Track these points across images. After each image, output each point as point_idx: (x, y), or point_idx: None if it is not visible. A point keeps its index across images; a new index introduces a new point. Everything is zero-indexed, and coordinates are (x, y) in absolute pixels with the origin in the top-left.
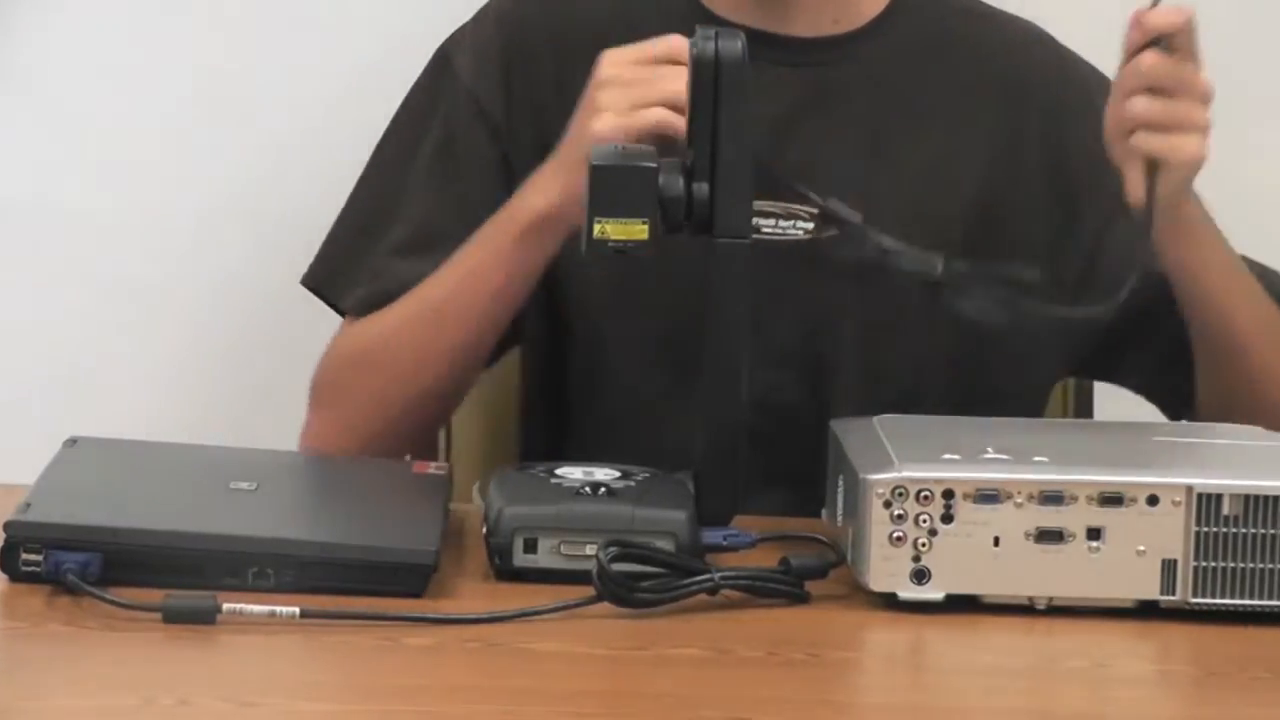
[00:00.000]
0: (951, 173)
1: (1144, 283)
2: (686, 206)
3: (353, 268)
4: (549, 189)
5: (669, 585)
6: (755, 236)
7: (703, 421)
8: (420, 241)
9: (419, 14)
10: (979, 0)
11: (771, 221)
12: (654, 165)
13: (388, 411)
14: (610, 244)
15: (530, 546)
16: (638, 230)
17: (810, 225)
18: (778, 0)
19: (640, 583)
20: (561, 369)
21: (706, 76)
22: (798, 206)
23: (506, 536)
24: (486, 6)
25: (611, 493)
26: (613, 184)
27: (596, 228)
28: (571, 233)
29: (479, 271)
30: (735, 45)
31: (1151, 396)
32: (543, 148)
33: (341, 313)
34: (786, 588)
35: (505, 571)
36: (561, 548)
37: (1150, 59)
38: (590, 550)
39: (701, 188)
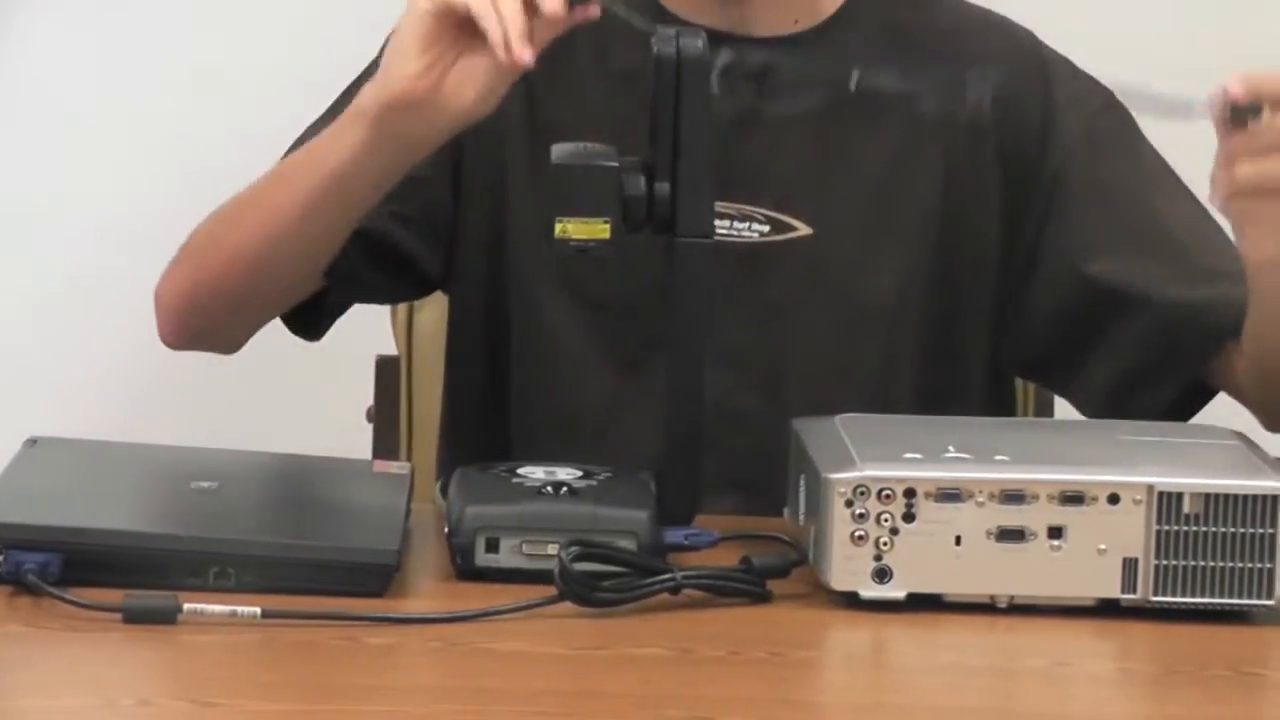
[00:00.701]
0: (907, 170)
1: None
2: (648, 205)
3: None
4: (350, 140)
5: (631, 585)
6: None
7: (664, 421)
8: None
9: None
10: None
11: (726, 223)
12: (615, 164)
13: (229, 266)
14: (572, 243)
15: (492, 546)
16: (599, 229)
17: (765, 227)
18: (739, 1)
19: (602, 582)
20: (506, 368)
21: (668, 76)
22: (751, 208)
23: (468, 536)
24: None
25: (573, 492)
26: (574, 183)
27: (558, 227)
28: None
29: (305, 173)
30: (696, 44)
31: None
32: (498, 125)
33: None
34: (748, 587)
35: (467, 571)
36: (523, 547)
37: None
38: (552, 550)
39: (663, 187)
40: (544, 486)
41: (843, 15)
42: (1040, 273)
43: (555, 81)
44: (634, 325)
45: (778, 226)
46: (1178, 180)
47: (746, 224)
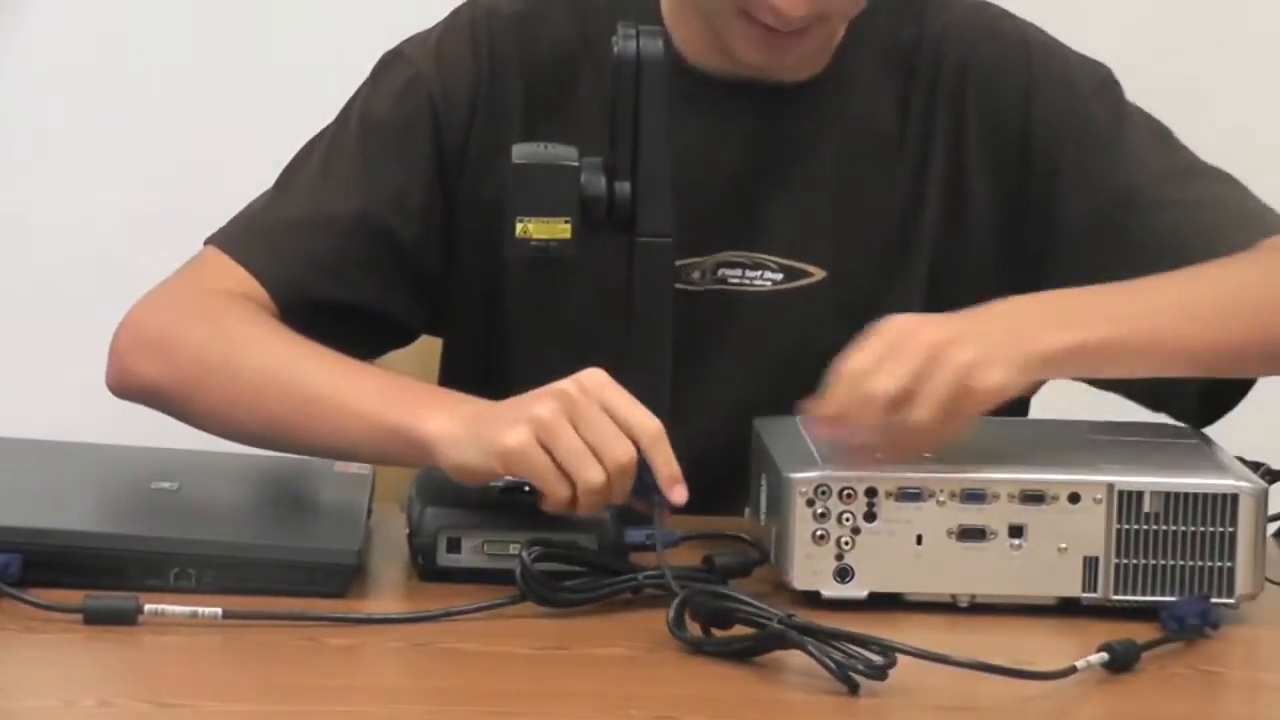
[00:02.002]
0: (914, 207)
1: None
2: (608, 205)
3: (262, 228)
4: (454, 437)
5: (593, 584)
6: (722, 287)
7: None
8: (333, 222)
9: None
10: None
11: (738, 272)
12: (576, 164)
13: (219, 425)
14: (532, 243)
15: (454, 546)
16: (560, 229)
17: (779, 275)
18: (777, 55)
19: (564, 582)
20: (475, 364)
21: (628, 75)
22: (764, 256)
23: (430, 536)
24: (454, 21)
25: (535, 492)
26: (534, 182)
27: (519, 227)
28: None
29: (343, 419)
30: (657, 45)
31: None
32: (494, 187)
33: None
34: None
35: (429, 571)
36: (485, 547)
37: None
38: (514, 550)
39: (623, 186)
40: (505, 487)
41: (849, 44)
42: (1053, 264)
43: (555, 118)
44: (597, 321)
45: (791, 274)
46: (1168, 161)
47: (759, 272)
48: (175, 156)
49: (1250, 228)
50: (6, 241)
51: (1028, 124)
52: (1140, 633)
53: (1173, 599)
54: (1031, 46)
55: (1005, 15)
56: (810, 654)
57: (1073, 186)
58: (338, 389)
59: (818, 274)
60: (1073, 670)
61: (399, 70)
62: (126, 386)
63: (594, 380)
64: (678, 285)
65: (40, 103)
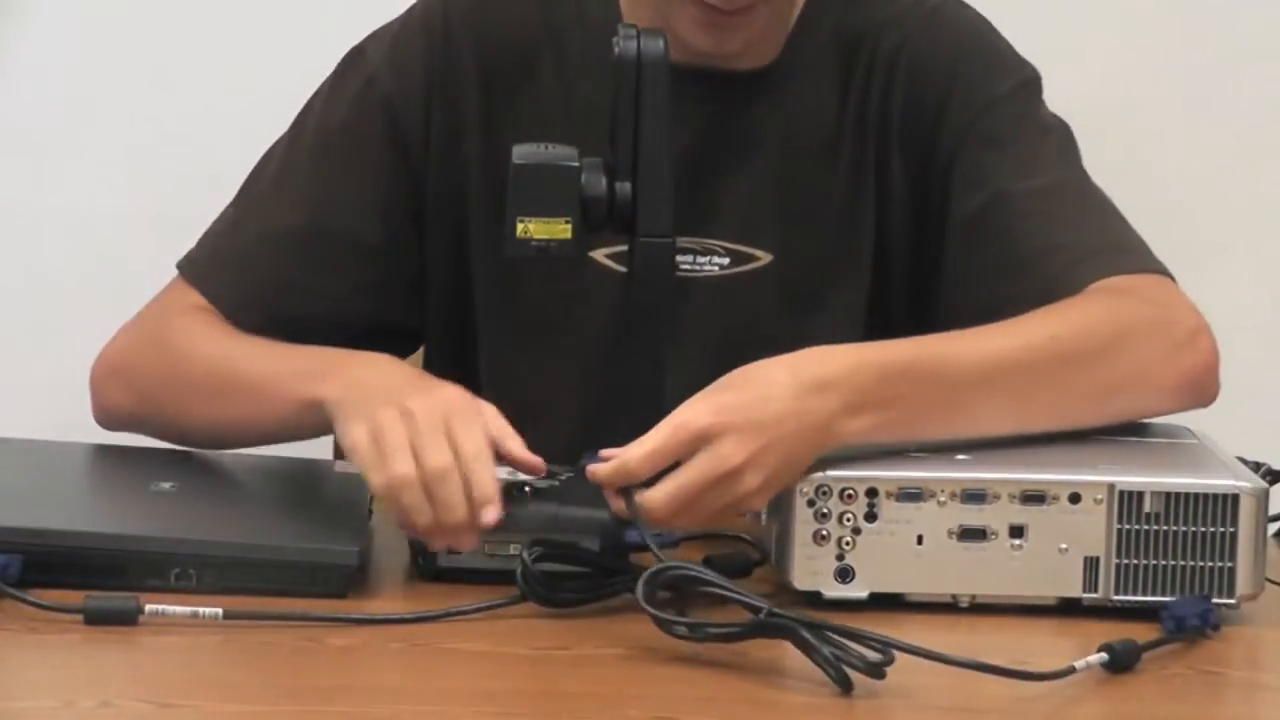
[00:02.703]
0: (858, 193)
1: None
2: (609, 205)
3: (222, 251)
4: (339, 404)
5: (593, 585)
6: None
7: (626, 421)
8: (287, 236)
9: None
10: None
11: (688, 258)
12: (576, 164)
13: (183, 430)
14: (533, 243)
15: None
16: (560, 229)
17: (726, 260)
18: (722, 38)
19: (565, 582)
20: (449, 361)
21: (629, 75)
22: (712, 242)
23: None
24: (412, 12)
25: (536, 492)
26: (535, 182)
27: (519, 227)
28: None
29: (268, 400)
30: (658, 44)
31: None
32: (458, 175)
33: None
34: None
35: (429, 571)
36: (485, 547)
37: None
38: (515, 550)
39: (624, 187)
40: (507, 488)
41: (800, 33)
42: (940, 263)
43: (514, 101)
44: (602, 367)
45: (738, 259)
46: (1053, 176)
47: (708, 258)
48: (175, 157)
49: (1091, 262)
50: (6, 241)
51: (941, 118)
52: (1141, 633)
53: (1173, 599)
54: (963, 39)
55: (950, 4)
56: (803, 643)
57: (962, 185)
58: (262, 373)
59: (764, 258)
60: (1071, 670)
61: (357, 72)
62: (107, 417)
63: (444, 398)
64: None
65: (40, 103)
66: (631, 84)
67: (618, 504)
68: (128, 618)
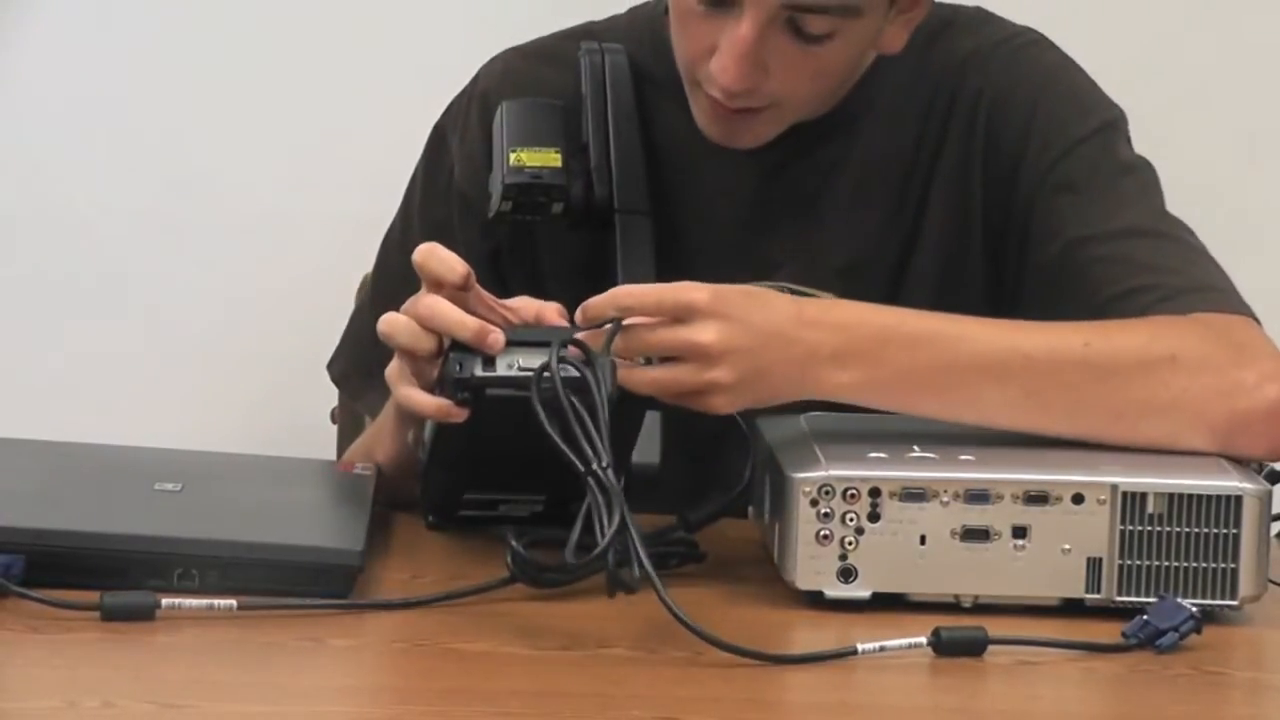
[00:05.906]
0: (914, 235)
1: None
2: (585, 203)
3: (365, 363)
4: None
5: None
6: None
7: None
8: None
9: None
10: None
11: None
12: (560, 103)
13: None
14: (527, 170)
15: (489, 363)
16: (551, 158)
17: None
18: (730, 132)
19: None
20: None
21: (598, 80)
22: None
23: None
24: (471, 90)
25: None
26: (525, 117)
27: (513, 156)
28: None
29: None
30: (621, 55)
31: None
32: (527, 243)
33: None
34: (682, 548)
35: (457, 395)
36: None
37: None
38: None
39: (601, 188)
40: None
41: (875, 70)
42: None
43: None
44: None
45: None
46: (1133, 218)
47: None
48: (175, 157)
49: (1169, 303)
50: (6, 241)
51: (1019, 162)
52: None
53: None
54: (1045, 82)
55: (1033, 44)
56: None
57: (1040, 232)
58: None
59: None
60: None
61: (442, 166)
62: None
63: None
64: None
65: (41, 103)
66: (600, 88)
67: (596, 339)
68: (145, 613)
